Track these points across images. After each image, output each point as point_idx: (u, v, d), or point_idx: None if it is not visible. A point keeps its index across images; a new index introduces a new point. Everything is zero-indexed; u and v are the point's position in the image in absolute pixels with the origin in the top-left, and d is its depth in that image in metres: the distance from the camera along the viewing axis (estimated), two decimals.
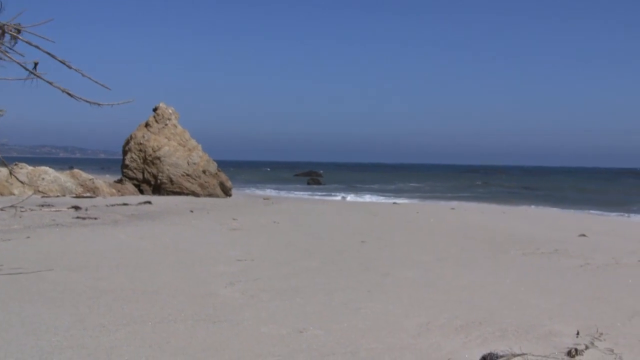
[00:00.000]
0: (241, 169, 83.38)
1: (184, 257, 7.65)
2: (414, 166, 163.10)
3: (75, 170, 21.02)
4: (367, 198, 29.94)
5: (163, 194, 21.79)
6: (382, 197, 30.27)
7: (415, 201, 27.02)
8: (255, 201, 21.23)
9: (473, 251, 9.26)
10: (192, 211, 15.06)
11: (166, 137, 23.16)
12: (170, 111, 23.84)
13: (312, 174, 60.27)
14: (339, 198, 28.94)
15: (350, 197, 29.89)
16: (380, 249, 9.15)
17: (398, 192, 36.29)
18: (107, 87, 4.86)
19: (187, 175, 22.61)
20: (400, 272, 7.09)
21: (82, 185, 19.90)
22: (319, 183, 48.28)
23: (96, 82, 4.99)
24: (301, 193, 33.64)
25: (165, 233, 10.24)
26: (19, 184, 17.35)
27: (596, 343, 4.33)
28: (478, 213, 17.99)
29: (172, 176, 22.35)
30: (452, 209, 19.55)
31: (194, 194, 22.27)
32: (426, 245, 9.74)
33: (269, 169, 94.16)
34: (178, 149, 23.04)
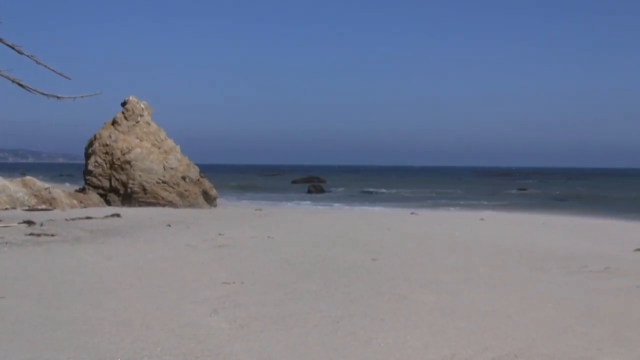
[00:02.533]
0: (229, 175, 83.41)
1: (159, 281, 7.66)
2: (435, 169, 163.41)
3: (28, 178, 21.09)
4: (379, 207, 29.92)
5: (134, 205, 21.84)
6: (396, 207, 30.26)
7: (436, 211, 26.99)
8: (245, 213, 21.22)
9: (506, 270, 9.26)
10: (169, 225, 15.07)
11: (137, 137, 23.26)
12: (142, 106, 23.95)
13: (312, 180, 60.37)
14: (345, 208, 28.93)
15: (358, 207, 29.88)
16: (394, 268, 9.15)
17: (416, 201, 36.30)
18: (66, 77, 4.88)
19: (163, 182, 22.66)
20: (419, 296, 7.09)
21: (36, 196, 19.94)
22: (321, 191, 48.26)
23: (54, 70, 5.02)
24: (300, 203, 33.65)
25: (138, 252, 10.24)
26: None
27: None
28: (512, 225, 17.98)
29: (145, 184, 22.40)
30: (481, 220, 19.54)
31: (172, 204, 22.31)
32: (450, 264, 9.74)
33: (262, 175, 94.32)
34: (152, 151, 23.13)
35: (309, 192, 47.55)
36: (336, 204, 31.97)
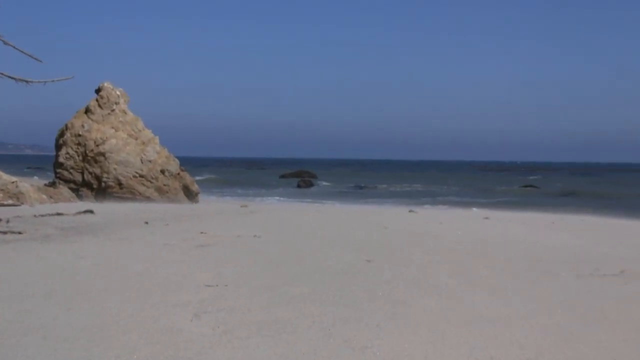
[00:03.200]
0: (212, 169, 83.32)
1: (136, 283, 7.64)
2: (434, 164, 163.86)
3: None
4: (374, 204, 29.97)
5: (109, 201, 21.77)
6: (393, 204, 30.33)
7: (437, 208, 27.06)
8: (229, 209, 21.18)
9: (512, 272, 9.29)
10: (147, 223, 15.02)
11: (113, 127, 23.19)
12: (117, 93, 23.86)
13: (302, 174, 60.48)
14: (337, 205, 28.96)
15: (351, 204, 29.92)
16: (391, 270, 9.16)
17: (414, 197, 36.47)
18: (37, 59, 4.84)
19: (141, 176, 22.61)
20: (417, 300, 7.11)
21: (1, 190, 19.81)
22: (311, 186, 48.33)
23: (22, 51, 4.97)
24: (289, 199, 33.65)
25: (112, 251, 10.22)
26: None
27: None
28: (519, 224, 18.04)
29: (120, 177, 22.33)
30: (486, 218, 19.59)
31: (150, 200, 22.26)
32: (452, 266, 9.76)
33: (247, 168, 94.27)
34: (128, 142, 23.05)
35: (299, 187, 47.62)
36: (328, 201, 32.00)
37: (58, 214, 16.07)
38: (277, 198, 34.01)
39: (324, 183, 51.40)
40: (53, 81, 4.65)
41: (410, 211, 22.34)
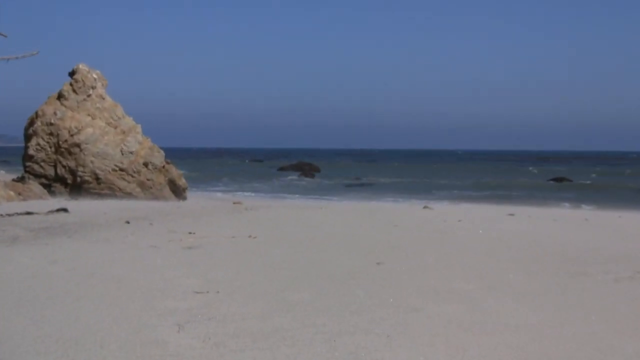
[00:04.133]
0: (202, 161, 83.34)
1: (116, 289, 7.65)
2: (447, 153, 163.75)
3: None
4: (384, 200, 29.94)
5: (85, 198, 21.80)
6: (405, 199, 30.31)
7: (455, 204, 27.01)
8: (221, 207, 21.20)
9: (541, 276, 9.28)
10: (128, 222, 15.05)
11: (89, 114, 23.19)
12: (94, 76, 23.86)
13: (303, 167, 60.52)
14: (343, 201, 28.93)
15: (358, 199, 29.89)
16: (404, 273, 9.16)
17: (427, 191, 36.49)
18: (2, 34, 4.82)
19: (121, 169, 22.63)
20: (433, 307, 7.11)
21: None
22: (313, 178, 48.37)
23: None
24: (288, 194, 33.64)
25: (89, 254, 10.23)
26: None
27: None
28: (549, 221, 18.02)
29: (98, 171, 22.35)
30: (511, 215, 19.58)
31: (132, 196, 22.29)
32: (471, 268, 9.76)
33: (241, 160, 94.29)
34: (107, 132, 23.06)
35: (299, 179, 47.64)
36: (331, 196, 31.99)
37: (28, 213, 16.08)
38: (275, 194, 33.99)
39: (328, 176, 51.32)
40: (17, 58, 4.63)
41: (425, 207, 22.43)
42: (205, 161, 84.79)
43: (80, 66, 23.96)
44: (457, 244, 12.53)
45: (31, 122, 23.50)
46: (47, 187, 22.48)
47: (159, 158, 23.46)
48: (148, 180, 22.91)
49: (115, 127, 23.46)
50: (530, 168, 73.57)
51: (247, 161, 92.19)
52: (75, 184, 22.49)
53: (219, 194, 31.93)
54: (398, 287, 8.20)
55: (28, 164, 23.01)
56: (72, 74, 23.94)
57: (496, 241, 13.05)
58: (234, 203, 22.99)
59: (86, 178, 22.35)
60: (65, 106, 23.21)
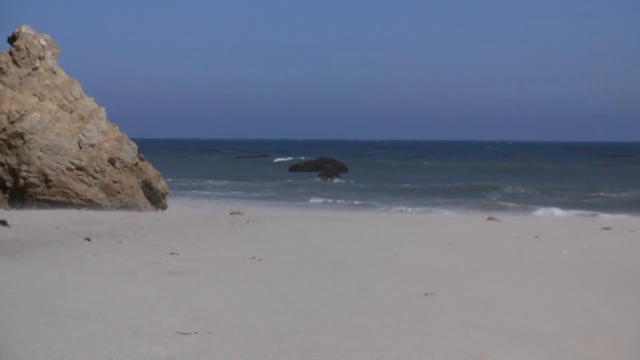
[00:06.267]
0: (188, 156, 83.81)
1: (73, 330, 7.59)
2: (498, 146, 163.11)
3: None
4: (433, 208, 29.92)
5: (31, 207, 21.84)
6: (462, 208, 30.21)
7: (528, 214, 26.88)
8: (214, 218, 21.24)
9: None
10: (89, 239, 15.04)
11: (35, 94, 23.17)
12: (42, 43, 23.82)
13: (324, 165, 60.31)
14: (378, 209, 28.89)
15: (400, 208, 29.85)
16: (461, 308, 9.15)
17: (490, 197, 36.49)
18: None
19: (79, 168, 22.63)
20: (503, 354, 7.07)
21: None
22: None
23: None
24: (305, 202, 33.67)
25: (37, 283, 10.20)
26: None
27: None
28: None
29: (48, 171, 22.36)
30: (606, 229, 19.39)
31: (93, 205, 22.27)
32: (553, 302, 9.74)
33: (238, 156, 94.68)
34: (59, 117, 23.05)
35: (319, 181, 47.60)
36: (364, 204, 31.93)
37: None
38: (287, 201, 34.01)
39: (358, 177, 51.18)
40: None
41: (489, 219, 22.40)
42: (192, 156, 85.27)
43: (24, 29, 23.90)
44: (534, 269, 12.50)
45: None
46: None
47: (129, 153, 23.46)
48: (115, 182, 22.90)
49: (71, 112, 23.43)
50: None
51: (247, 156, 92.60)
52: (17, 189, 22.49)
53: (213, 201, 32.00)
54: (453, 326, 8.15)
55: None
56: (12, 39, 23.89)
57: (586, 265, 13.02)
58: (232, 213, 22.94)
59: (32, 180, 22.33)
60: (4, 83, 23.14)
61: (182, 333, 7.52)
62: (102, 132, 23.37)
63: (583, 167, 72.04)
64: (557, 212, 29.07)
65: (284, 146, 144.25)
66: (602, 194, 38.78)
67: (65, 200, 22.36)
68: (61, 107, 23.40)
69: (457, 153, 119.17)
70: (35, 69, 23.51)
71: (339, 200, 34.10)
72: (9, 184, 22.58)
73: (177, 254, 13.01)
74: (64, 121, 23.14)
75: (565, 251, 14.69)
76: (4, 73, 23.30)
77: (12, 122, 22.61)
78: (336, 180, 49.51)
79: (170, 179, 34.71)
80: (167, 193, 24.40)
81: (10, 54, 23.51)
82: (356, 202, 33.07)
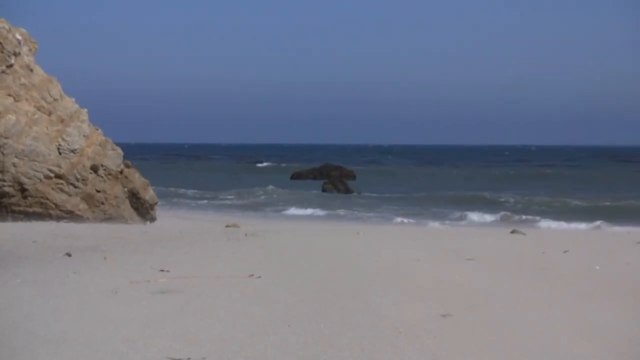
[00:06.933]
0: (177, 163, 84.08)
1: (53, 353, 7.61)
2: (520, 151, 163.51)
3: None
4: (451, 220, 30.10)
5: (5, 219, 21.81)
6: (482, 220, 30.25)
7: (556, 226, 26.87)
8: (208, 231, 21.28)
9: None
10: (69, 255, 15.08)
11: (10, 94, 23.09)
12: (17, 37, 23.75)
13: (330, 172, 60.36)
14: (392, 221, 28.96)
15: (408, 216, 29.96)
16: (482, 330, 9.18)
17: (514, 207, 36.60)
18: None
19: (58, 176, 22.60)
20: None
21: None
22: (346, 191, 48.23)
23: None
24: (308, 212, 33.69)
25: (12, 303, 10.19)
26: None
27: None
28: None
29: (24, 179, 22.33)
30: None
31: (74, 216, 22.27)
32: (586, 325, 9.75)
33: (234, 162, 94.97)
34: (37, 120, 23.00)
35: (325, 191, 47.62)
36: (374, 215, 31.96)
37: None
38: (288, 212, 34.05)
39: (368, 185, 51.24)
40: None
41: (513, 231, 22.48)
42: (182, 163, 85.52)
43: None
44: (563, 287, 12.51)
45: None
46: None
47: (114, 159, 23.43)
48: (98, 192, 22.85)
49: (50, 114, 23.36)
50: None
51: (241, 163, 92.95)
52: None
53: (205, 212, 32.04)
54: (474, 351, 8.18)
55: None
56: None
57: (622, 283, 13.00)
58: (228, 226, 22.99)
59: (6, 189, 22.27)
60: None
61: (172, 359, 7.54)
62: (84, 136, 23.32)
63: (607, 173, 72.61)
64: (588, 222, 29.29)
65: (280, 150, 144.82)
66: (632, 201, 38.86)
67: (43, 211, 22.31)
68: (39, 108, 23.28)
69: (468, 158, 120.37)
70: (10, 66, 23.38)
71: (344, 213, 34.07)
72: None
73: (168, 271, 12.98)
74: (42, 124, 23.05)
75: (597, 267, 14.72)
76: None
77: None
78: (345, 191, 48.76)
79: (161, 187, 34.98)
80: (155, 203, 24.39)
81: None
82: (365, 214, 33.09)
